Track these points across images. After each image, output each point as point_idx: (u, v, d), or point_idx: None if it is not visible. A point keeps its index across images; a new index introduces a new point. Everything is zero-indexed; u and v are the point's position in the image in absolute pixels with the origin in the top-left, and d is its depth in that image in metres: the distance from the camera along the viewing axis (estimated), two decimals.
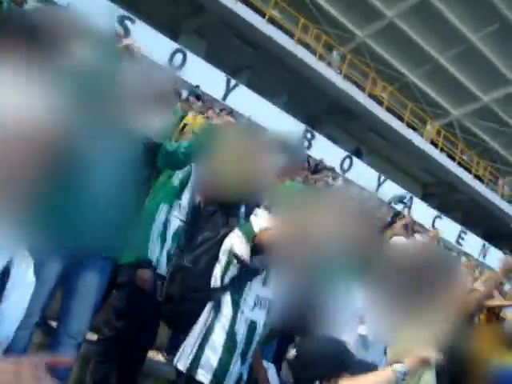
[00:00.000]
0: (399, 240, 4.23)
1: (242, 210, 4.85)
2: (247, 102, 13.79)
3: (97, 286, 2.42)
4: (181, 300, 2.27)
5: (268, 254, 2.04)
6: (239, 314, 2.10)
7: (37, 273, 2.04)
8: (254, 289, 2.15)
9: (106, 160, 2.29)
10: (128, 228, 2.45)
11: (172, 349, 3.67)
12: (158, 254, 3.00)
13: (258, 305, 2.16)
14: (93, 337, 3.09)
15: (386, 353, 2.59)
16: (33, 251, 1.24)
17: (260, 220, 2.16)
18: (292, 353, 2.03)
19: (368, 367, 1.95)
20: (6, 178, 0.94)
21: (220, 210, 3.51)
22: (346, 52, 18.70)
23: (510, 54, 18.64)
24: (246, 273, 2.13)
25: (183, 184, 3.21)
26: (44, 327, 2.96)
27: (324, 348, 1.95)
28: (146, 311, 2.95)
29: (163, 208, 3.05)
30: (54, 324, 2.70)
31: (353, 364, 1.89)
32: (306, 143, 15.54)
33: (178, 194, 3.18)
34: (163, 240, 3.04)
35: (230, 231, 2.27)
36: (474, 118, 21.55)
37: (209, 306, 2.14)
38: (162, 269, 3.01)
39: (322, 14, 18.47)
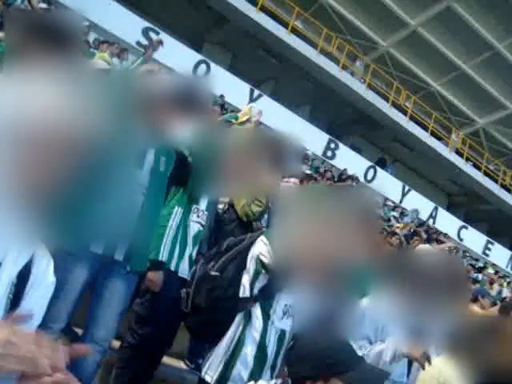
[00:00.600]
0: (425, 248, 4.14)
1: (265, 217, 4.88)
2: (271, 112, 13.81)
3: (124, 293, 2.42)
4: (209, 311, 2.18)
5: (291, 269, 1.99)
6: (269, 326, 2.06)
7: (64, 279, 2.07)
8: (283, 297, 2.10)
9: (139, 172, 2.32)
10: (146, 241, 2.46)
11: (193, 356, 3.66)
12: (177, 258, 2.98)
13: (287, 314, 2.11)
14: (115, 344, 3.07)
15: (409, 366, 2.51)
16: (60, 256, 1.24)
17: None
18: (289, 345, 1.96)
19: (379, 376, 1.76)
20: (36, 176, 0.95)
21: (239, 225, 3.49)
22: (370, 61, 18.62)
23: None
24: (275, 283, 2.08)
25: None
26: (69, 334, 2.95)
27: (316, 344, 1.69)
28: (169, 318, 2.93)
29: (178, 211, 3.02)
30: (79, 331, 2.69)
31: (357, 369, 1.63)
32: (330, 153, 15.51)
33: (194, 197, 3.14)
34: (183, 244, 3.02)
35: (257, 236, 2.22)
36: (500, 127, 21.20)
37: (239, 317, 2.08)
38: (185, 273, 2.99)
39: (345, 23, 18.43)
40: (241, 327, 2.06)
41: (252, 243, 2.21)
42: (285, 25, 15.62)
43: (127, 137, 2.20)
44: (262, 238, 2.17)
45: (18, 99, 0.93)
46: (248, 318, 2.06)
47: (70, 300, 2.19)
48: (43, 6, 8.59)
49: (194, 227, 3.13)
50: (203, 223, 3.21)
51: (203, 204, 3.23)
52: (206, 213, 3.24)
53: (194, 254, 3.13)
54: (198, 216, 3.17)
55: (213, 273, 2.20)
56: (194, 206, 3.15)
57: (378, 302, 2.47)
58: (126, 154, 2.25)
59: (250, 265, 2.13)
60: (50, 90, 0.96)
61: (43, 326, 1.11)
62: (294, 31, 15.79)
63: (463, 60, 19.11)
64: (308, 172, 9.36)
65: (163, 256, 2.90)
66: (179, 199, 3.05)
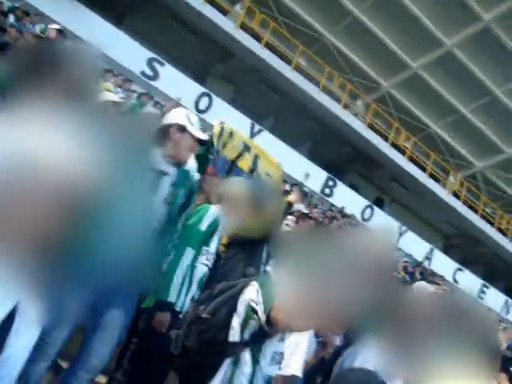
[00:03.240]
0: (423, 285, 4.04)
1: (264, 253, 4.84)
2: (270, 147, 13.79)
3: (121, 325, 2.40)
4: (198, 354, 2.12)
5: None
6: (258, 371, 2.00)
7: (58, 312, 2.02)
8: (273, 345, 2.06)
9: (140, 199, 2.29)
10: (155, 268, 2.44)
11: None
12: (183, 299, 2.94)
13: (274, 360, 2.08)
14: (100, 379, 2.99)
15: None
16: (53, 291, 1.20)
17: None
18: None
19: None
20: (26, 217, 0.90)
21: (241, 251, 3.45)
22: (371, 101, 18.83)
23: None
24: (266, 330, 2.03)
25: (211, 230, 3.16)
26: (53, 368, 2.90)
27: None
28: (161, 359, 2.88)
29: (189, 252, 3.00)
30: (63, 364, 2.67)
31: None
32: (328, 191, 15.52)
33: (205, 239, 3.12)
34: (189, 285, 2.99)
35: (250, 281, 2.14)
36: (498, 171, 21.34)
37: (227, 362, 2.00)
38: None
39: (347, 62, 18.72)
40: (229, 372, 1.98)
41: (245, 287, 2.13)
42: (288, 62, 15.83)
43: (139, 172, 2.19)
44: (254, 283, 2.10)
45: (16, 143, 0.89)
46: (237, 363, 1.99)
47: (61, 339, 2.15)
48: (56, 26, 8.72)
49: (202, 269, 3.10)
50: (210, 266, 3.18)
51: (213, 246, 3.20)
52: (213, 255, 3.21)
53: (196, 297, 3.07)
54: (206, 259, 3.14)
55: (204, 315, 2.14)
56: (204, 248, 3.12)
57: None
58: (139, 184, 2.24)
59: (240, 307, 2.05)
60: (52, 133, 0.93)
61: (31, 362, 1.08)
62: (297, 68, 16.00)
63: (463, 104, 19.39)
64: (305, 211, 9.33)
65: (172, 297, 2.86)
66: (191, 241, 3.03)
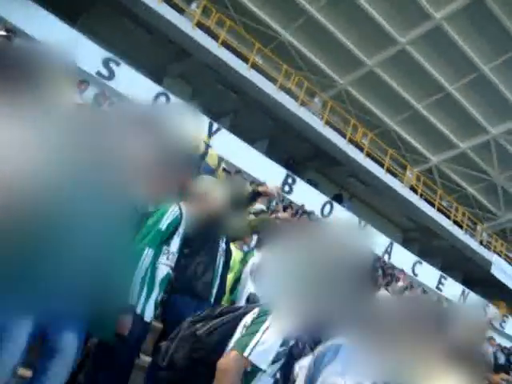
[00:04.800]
0: (383, 294, 4.17)
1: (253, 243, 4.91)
2: (229, 145, 13.86)
3: (76, 346, 2.34)
4: (186, 370, 2.11)
5: None
6: None
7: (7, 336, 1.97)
8: (271, 367, 2.01)
9: (94, 218, 2.22)
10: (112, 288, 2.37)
11: None
12: (144, 300, 2.88)
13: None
14: None
15: None
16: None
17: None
18: None
19: None
20: None
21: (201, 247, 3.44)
22: (328, 98, 19.04)
23: (486, 104, 19.16)
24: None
25: (171, 229, 3.10)
26: None
27: None
28: (127, 362, 2.84)
29: (148, 253, 2.94)
30: None
31: None
32: (288, 188, 15.61)
33: (165, 239, 3.07)
34: (150, 287, 2.93)
35: (253, 308, 2.17)
36: (453, 165, 21.94)
37: None
38: (149, 317, 2.92)
39: (304, 60, 18.90)
40: None
41: (246, 313, 2.16)
42: (245, 60, 15.84)
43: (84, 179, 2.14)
44: (256, 311, 2.12)
45: None
46: None
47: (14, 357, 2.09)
48: (2, 33, 8.42)
49: (163, 270, 3.03)
50: (172, 266, 3.11)
51: (174, 245, 3.14)
52: (176, 255, 3.14)
53: (160, 299, 3.05)
54: (167, 258, 3.07)
55: (199, 333, 2.15)
56: (165, 248, 3.06)
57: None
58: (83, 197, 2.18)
59: (239, 334, 2.07)
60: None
61: None
62: (254, 67, 16.02)
63: (417, 100, 19.84)
64: (264, 209, 9.35)
65: (132, 299, 2.81)
66: (150, 241, 2.97)
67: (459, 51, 17.41)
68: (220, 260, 3.53)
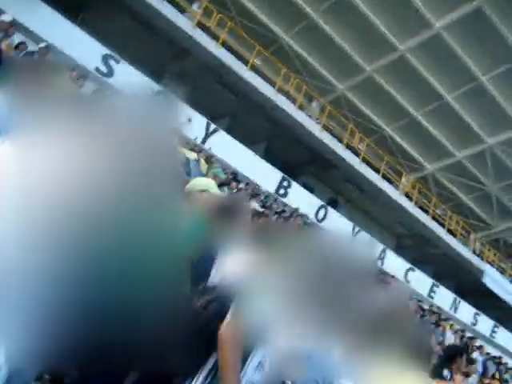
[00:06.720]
0: None
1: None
2: (226, 147, 13.88)
3: None
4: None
5: None
6: (243, 377, 1.95)
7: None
8: (258, 354, 2.01)
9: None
10: None
11: None
12: None
13: (259, 367, 2.00)
14: None
15: None
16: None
17: None
18: None
19: None
20: None
21: None
22: (326, 103, 19.08)
23: (483, 114, 19.25)
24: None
25: None
26: None
27: None
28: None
29: None
30: None
31: None
32: (283, 191, 15.62)
33: None
34: None
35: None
36: (448, 174, 22.03)
37: (209, 366, 1.96)
38: None
39: (303, 64, 18.96)
40: (210, 377, 1.95)
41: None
42: (245, 62, 15.85)
43: None
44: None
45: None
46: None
47: None
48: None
49: None
50: None
51: None
52: None
53: None
54: None
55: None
56: None
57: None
58: None
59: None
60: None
61: None
62: (254, 69, 16.03)
63: (414, 107, 19.92)
64: (260, 209, 9.34)
65: None
66: None
67: (458, 60, 17.52)
68: None
